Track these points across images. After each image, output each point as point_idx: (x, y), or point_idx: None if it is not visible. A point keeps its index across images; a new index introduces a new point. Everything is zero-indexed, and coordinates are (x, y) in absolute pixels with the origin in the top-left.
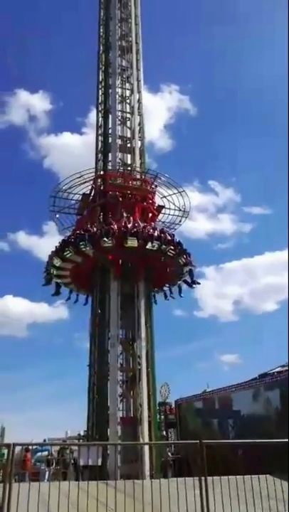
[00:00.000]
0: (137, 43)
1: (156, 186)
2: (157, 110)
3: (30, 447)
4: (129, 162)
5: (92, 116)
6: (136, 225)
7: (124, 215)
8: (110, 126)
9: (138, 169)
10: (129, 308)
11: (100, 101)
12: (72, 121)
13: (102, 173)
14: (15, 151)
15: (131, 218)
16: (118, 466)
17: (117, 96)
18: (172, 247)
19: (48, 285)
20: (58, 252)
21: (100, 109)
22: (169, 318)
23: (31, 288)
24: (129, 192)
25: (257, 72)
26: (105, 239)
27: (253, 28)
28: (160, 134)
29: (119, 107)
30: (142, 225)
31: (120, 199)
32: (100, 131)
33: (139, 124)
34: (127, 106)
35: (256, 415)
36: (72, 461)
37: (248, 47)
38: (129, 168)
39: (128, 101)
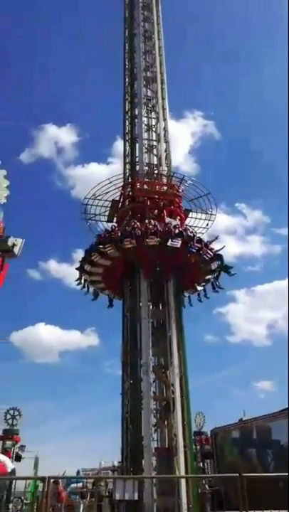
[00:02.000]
0: (161, 73)
1: (182, 191)
2: (182, 136)
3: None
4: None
5: (117, 146)
6: (150, 225)
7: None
8: (137, 154)
9: (164, 173)
10: (160, 334)
11: (126, 130)
12: (98, 152)
13: (130, 180)
14: (44, 182)
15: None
16: (154, 499)
17: (143, 125)
18: (193, 243)
19: (95, 300)
20: (86, 258)
21: (126, 138)
22: (200, 344)
23: (63, 316)
24: (156, 196)
25: (281, 96)
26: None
27: (278, 53)
28: (185, 159)
29: (145, 135)
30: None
31: (148, 203)
32: (127, 160)
33: (166, 151)
34: (153, 134)
35: None
36: (107, 494)
37: (273, 72)
38: (155, 172)
39: (154, 129)
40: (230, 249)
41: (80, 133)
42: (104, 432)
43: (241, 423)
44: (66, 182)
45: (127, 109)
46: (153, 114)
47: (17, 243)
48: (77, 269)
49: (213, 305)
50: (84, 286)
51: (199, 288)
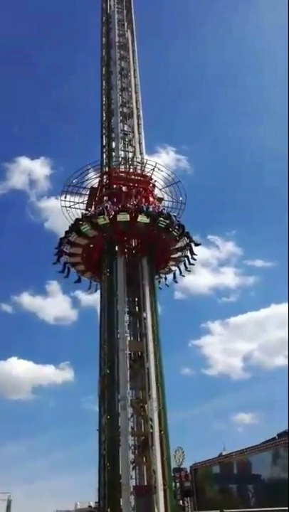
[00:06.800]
0: (137, 108)
1: (155, 181)
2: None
3: None
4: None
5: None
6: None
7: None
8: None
9: (138, 160)
10: (138, 367)
11: (104, 164)
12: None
13: (107, 169)
14: (16, 215)
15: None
16: None
17: (120, 158)
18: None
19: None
20: (65, 238)
21: (104, 171)
22: (177, 377)
23: (36, 350)
24: (131, 184)
25: (255, 133)
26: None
27: (252, 91)
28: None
29: (122, 168)
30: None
31: (124, 190)
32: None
33: None
34: (130, 167)
35: (279, 479)
36: None
37: (246, 110)
38: (130, 159)
39: (130, 162)
40: (204, 280)
41: (54, 166)
42: (79, 472)
43: (221, 458)
44: (39, 214)
45: (104, 143)
46: (130, 148)
47: None
48: (56, 248)
49: (188, 337)
50: (64, 269)
51: (173, 268)
